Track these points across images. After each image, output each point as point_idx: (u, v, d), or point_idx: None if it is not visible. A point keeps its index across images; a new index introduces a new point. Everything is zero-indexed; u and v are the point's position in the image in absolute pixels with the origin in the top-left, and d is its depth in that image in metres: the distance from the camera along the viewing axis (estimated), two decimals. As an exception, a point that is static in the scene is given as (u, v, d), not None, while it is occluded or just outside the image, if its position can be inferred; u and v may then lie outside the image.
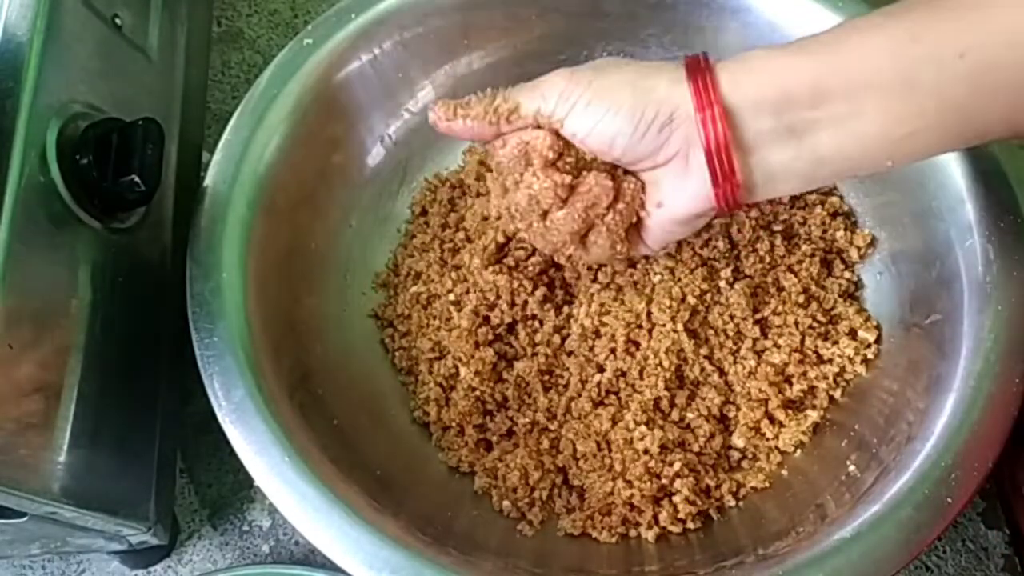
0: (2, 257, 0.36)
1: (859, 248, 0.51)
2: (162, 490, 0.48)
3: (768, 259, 0.51)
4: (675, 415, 0.48)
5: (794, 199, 0.52)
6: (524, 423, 0.49)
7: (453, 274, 0.52)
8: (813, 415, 0.48)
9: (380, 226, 0.55)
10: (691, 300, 0.49)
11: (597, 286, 0.50)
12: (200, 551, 0.52)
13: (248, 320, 0.44)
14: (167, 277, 0.48)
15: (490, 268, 0.50)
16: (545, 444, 0.49)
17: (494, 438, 0.50)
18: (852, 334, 0.50)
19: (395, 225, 0.56)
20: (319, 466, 0.42)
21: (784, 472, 0.48)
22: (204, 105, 0.61)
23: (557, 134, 0.40)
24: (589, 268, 0.50)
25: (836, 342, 0.49)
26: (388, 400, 0.51)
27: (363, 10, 0.52)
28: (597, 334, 0.50)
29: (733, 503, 0.47)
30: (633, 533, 0.46)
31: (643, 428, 0.47)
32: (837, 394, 0.49)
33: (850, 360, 0.49)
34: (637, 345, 0.49)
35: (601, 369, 0.49)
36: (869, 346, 0.49)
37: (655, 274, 0.50)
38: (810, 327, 0.49)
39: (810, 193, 0.52)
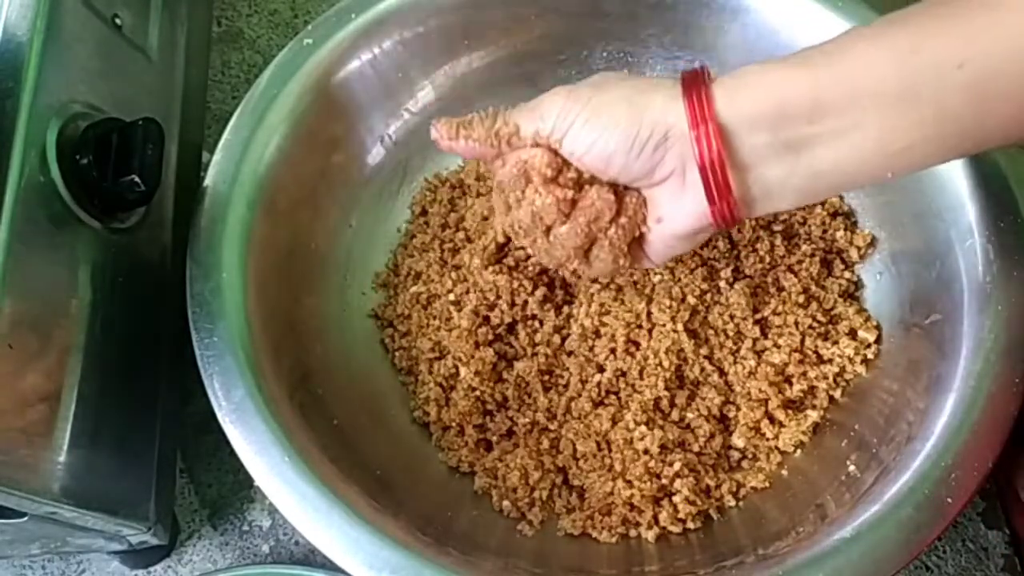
0: (2, 257, 0.36)
1: (859, 248, 0.51)
2: (162, 490, 0.48)
3: (768, 259, 0.51)
4: (675, 415, 0.48)
5: (794, 199, 0.52)
6: (524, 423, 0.49)
7: (453, 274, 0.52)
8: (813, 415, 0.48)
9: (380, 226, 0.56)
10: (691, 300, 0.49)
11: (597, 286, 0.50)
12: (200, 551, 0.52)
13: (248, 320, 0.44)
14: (167, 277, 0.48)
15: (490, 268, 0.50)
16: (545, 444, 0.49)
17: (494, 438, 0.50)
18: (852, 334, 0.50)
19: (395, 225, 0.56)
20: (319, 466, 0.42)
21: (784, 472, 0.48)
22: (204, 105, 0.61)
23: (556, 152, 0.40)
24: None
25: (836, 342, 0.49)
26: (388, 400, 0.51)
27: (363, 10, 0.52)
28: (597, 334, 0.50)
29: (733, 503, 0.47)
30: (633, 533, 0.46)
31: (643, 428, 0.47)
32: (837, 394, 0.49)
33: (850, 360, 0.49)
34: (637, 345, 0.49)
35: (601, 369, 0.49)
36: (869, 346, 0.49)
37: (655, 274, 0.50)
38: (810, 327, 0.49)
39: (810, 193, 0.52)
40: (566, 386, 0.49)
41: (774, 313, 0.50)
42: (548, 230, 0.42)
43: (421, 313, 0.52)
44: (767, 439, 0.48)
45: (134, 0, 0.49)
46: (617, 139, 0.38)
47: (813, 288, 0.50)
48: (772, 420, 0.48)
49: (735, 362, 0.49)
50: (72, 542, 0.45)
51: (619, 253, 0.43)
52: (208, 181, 0.47)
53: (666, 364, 0.48)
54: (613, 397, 0.49)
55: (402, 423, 0.51)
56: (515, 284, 0.49)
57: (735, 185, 0.38)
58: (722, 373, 0.49)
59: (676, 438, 0.47)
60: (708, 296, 0.50)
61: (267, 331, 0.45)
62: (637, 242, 0.43)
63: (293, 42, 0.51)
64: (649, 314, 0.49)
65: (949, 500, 0.39)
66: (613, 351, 0.49)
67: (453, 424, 0.49)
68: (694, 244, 0.43)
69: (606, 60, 0.57)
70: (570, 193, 0.41)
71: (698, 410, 0.48)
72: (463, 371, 0.49)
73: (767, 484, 0.47)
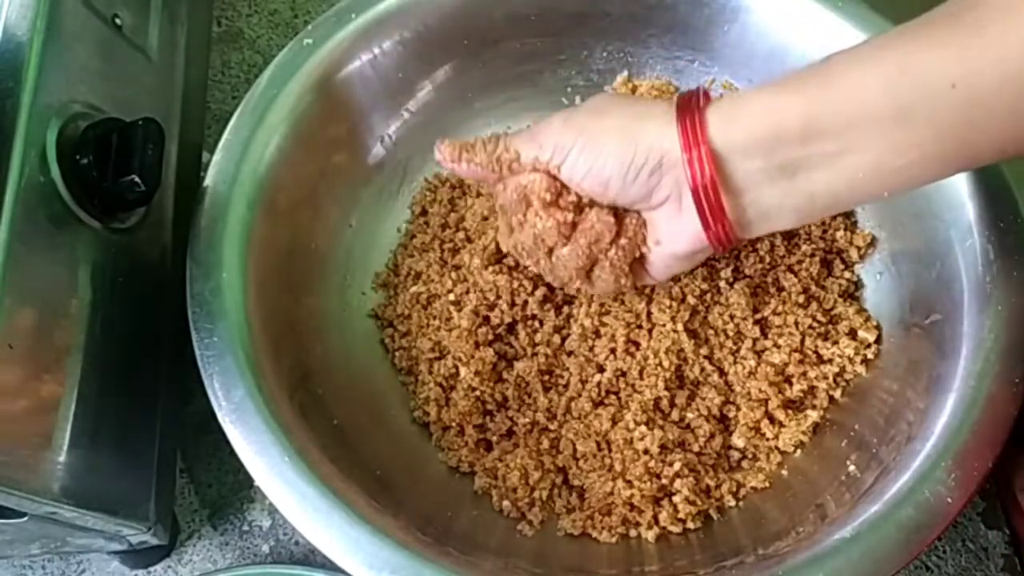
0: (2, 257, 0.36)
1: (859, 248, 0.51)
2: (162, 490, 0.48)
3: (768, 259, 0.51)
4: (675, 415, 0.48)
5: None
6: (524, 423, 0.49)
7: (453, 274, 0.52)
8: (813, 415, 0.48)
9: (380, 226, 0.56)
10: (691, 300, 0.49)
11: (597, 286, 0.50)
12: (200, 551, 0.52)
13: (248, 320, 0.44)
14: (167, 277, 0.48)
15: (490, 268, 0.50)
16: (545, 444, 0.49)
17: (494, 438, 0.50)
18: (852, 334, 0.50)
19: (395, 225, 0.56)
20: (319, 466, 0.42)
21: (784, 472, 0.48)
22: (204, 105, 0.61)
23: (555, 176, 0.42)
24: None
25: (836, 342, 0.49)
26: (388, 400, 0.51)
27: (363, 10, 0.52)
28: (597, 334, 0.50)
29: (733, 503, 0.47)
30: (633, 533, 0.46)
31: (643, 428, 0.47)
32: (837, 394, 0.49)
33: (850, 360, 0.49)
34: (637, 345, 0.49)
35: (601, 369, 0.49)
36: (869, 346, 0.49)
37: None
38: (810, 327, 0.49)
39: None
40: (566, 386, 0.49)
41: (774, 313, 0.50)
42: (550, 252, 0.43)
43: (421, 313, 0.52)
44: (767, 439, 0.48)
45: (134, 0, 0.49)
46: (613, 165, 0.39)
47: (813, 288, 0.50)
48: (772, 420, 0.48)
49: (735, 362, 0.49)
50: (72, 542, 0.45)
51: (620, 273, 0.44)
52: (208, 181, 0.47)
53: (666, 364, 0.48)
54: (613, 397, 0.49)
55: (402, 423, 0.51)
56: (515, 284, 0.49)
57: (730, 208, 0.39)
58: (722, 373, 0.49)
59: (676, 438, 0.47)
60: (708, 296, 0.50)
61: (267, 331, 0.45)
62: (638, 261, 0.44)
63: (293, 42, 0.51)
64: (649, 314, 0.49)
65: (949, 500, 0.39)
66: (613, 351, 0.49)
67: (453, 424, 0.49)
68: (694, 264, 0.44)
69: (606, 60, 0.57)
70: (570, 216, 0.42)
71: (698, 410, 0.48)
72: (463, 371, 0.49)
73: (767, 484, 0.47)
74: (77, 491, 0.40)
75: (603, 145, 0.39)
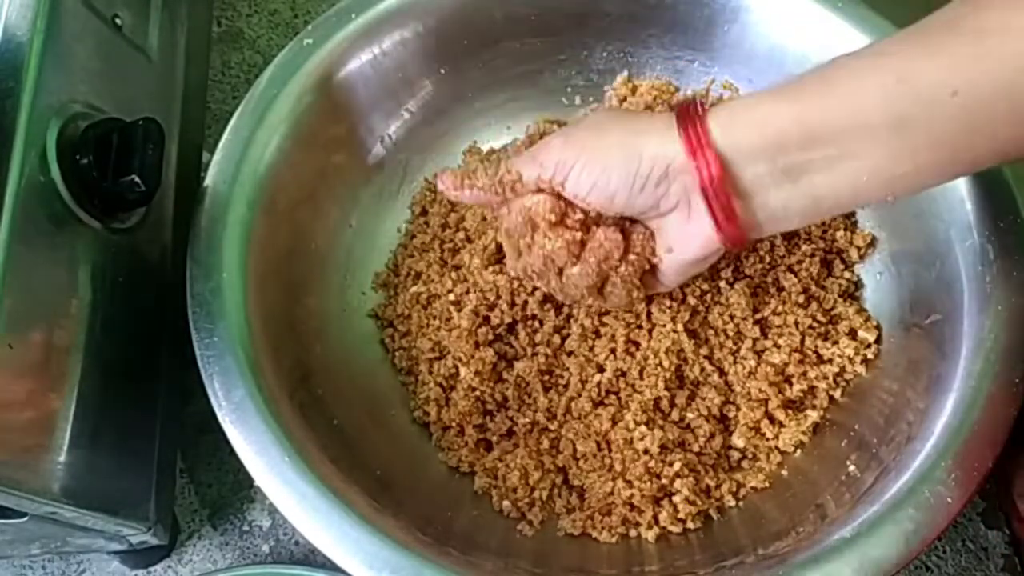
0: (2, 257, 0.36)
1: (859, 248, 0.51)
2: (162, 490, 0.48)
3: (768, 259, 0.51)
4: (675, 415, 0.48)
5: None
6: (524, 423, 0.49)
7: (453, 274, 0.52)
8: (813, 415, 0.48)
9: (380, 226, 0.56)
10: (691, 300, 0.49)
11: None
12: (200, 551, 0.52)
13: (248, 320, 0.44)
14: (167, 277, 0.48)
15: (490, 268, 0.50)
16: (545, 444, 0.49)
17: (494, 438, 0.50)
18: (852, 334, 0.50)
19: (395, 225, 0.56)
20: (319, 466, 0.42)
21: (784, 472, 0.48)
22: (204, 105, 0.61)
23: (559, 196, 0.42)
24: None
25: (836, 342, 0.49)
26: (388, 400, 0.51)
27: (363, 10, 0.52)
28: (597, 334, 0.50)
29: (733, 503, 0.47)
30: (633, 533, 0.46)
31: (643, 428, 0.47)
32: (837, 394, 0.49)
33: (850, 360, 0.49)
34: (637, 345, 0.49)
35: (601, 369, 0.49)
36: (869, 346, 0.49)
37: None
38: (810, 327, 0.49)
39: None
40: (566, 386, 0.49)
41: (774, 313, 0.50)
42: (560, 272, 0.43)
43: (421, 313, 0.52)
44: (767, 439, 0.48)
45: (134, 0, 0.49)
46: (618, 178, 0.39)
47: (813, 288, 0.50)
48: (772, 420, 0.48)
49: (735, 362, 0.49)
50: (72, 542, 0.45)
51: (632, 287, 0.44)
52: (208, 181, 0.47)
53: (666, 364, 0.48)
54: (613, 397, 0.49)
55: (402, 423, 0.51)
56: (515, 284, 0.49)
57: (740, 210, 0.39)
58: (722, 373, 0.49)
59: (676, 438, 0.47)
60: (708, 296, 0.50)
61: (267, 331, 0.45)
62: (649, 271, 0.44)
63: (293, 42, 0.51)
64: (649, 314, 0.49)
65: (949, 500, 0.39)
66: (613, 351, 0.49)
67: (453, 424, 0.49)
68: (705, 266, 0.44)
69: (606, 60, 0.57)
70: (578, 235, 0.42)
71: (698, 410, 0.48)
72: (463, 371, 0.49)
73: (767, 484, 0.47)
74: (77, 491, 0.40)
75: (606, 159, 0.40)
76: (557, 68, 0.57)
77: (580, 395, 0.49)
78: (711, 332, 0.50)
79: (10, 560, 0.51)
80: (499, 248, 0.50)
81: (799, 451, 0.48)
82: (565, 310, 0.50)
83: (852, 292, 0.51)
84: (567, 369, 0.50)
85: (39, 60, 0.39)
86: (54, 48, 0.40)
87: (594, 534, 0.46)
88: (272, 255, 0.48)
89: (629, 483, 0.46)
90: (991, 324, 0.42)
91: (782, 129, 0.37)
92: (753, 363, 0.49)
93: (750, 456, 0.49)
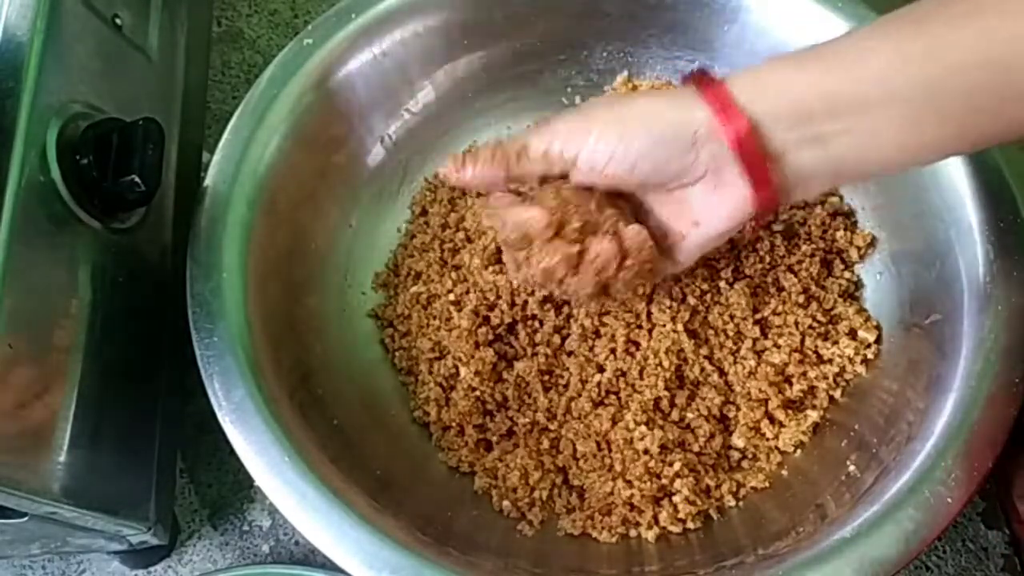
0: (2, 257, 0.36)
1: (859, 248, 0.51)
2: (162, 490, 0.48)
3: (768, 259, 0.51)
4: (675, 415, 0.48)
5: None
6: (524, 423, 0.49)
7: (453, 274, 0.52)
8: (813, 415, 0.48)
9: (380, 226, 0.56)
10: (691, 300, 0.49)
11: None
12: (200, 551, 0.52)
13: (248, 320, 0.44)
14: (167, 277, 0.48)
15: (490, 268, 0.50)
16: (545, 444, 0.49)
17: (494, 438, 0.50)
18: (852, 334, 0.50)
19: (395, 225, 0.56)
20: (319, 466, 0.42)
21: (784, 472, 0.48)
22: (204, 105, 0.61)
23: (551, 210, 0.40)
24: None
25: (836, 342, 0.49)
26: (388, 400, 0.51)
27: (363, 10, 0.52)
28: (597, 334, 0.50)
29: (733, 503, 0.47)
30: (633, 533, 0.46)
31: (643, 428, 0.47)
32: (837, 394, 0.49)
33: (850, 360, 0.49)
34: (637, 345, 0.49)
35: (601, 369, 0.49)
36: (869, 346, 0.49)
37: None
38: (810, 327, 0.49)
39: (810, 193, 0.52)
40: (566, 386, 0.49)
41: (774, 313, 0.50)
42: (561, 282, 0.43)
43: (421, 313, 0.52)
44: (767, 439, 0.48)
45: (134, 0, 0.49)
46: (638, 147, 0.38)
47: (813, 288, 0.50)
48: (772, 420, 0.48)
49: (735, 362, 0.49)
50: (72, 542, 0.45)
51: (636, 284, 0.44)
52: (208, 181, 0.47)
53: (666, 364, 0.48)
54: (613, 397, 0.49)
55: (402, 423, 0.51)
56: (515, 284, 0.49)
57: (771, 172, 0.38)
58: (722, 373, 0.49)
59: (676, 438, 0.47)
60: (708, 296, 0.50)
61: (267, 331, 0.45)
62: (666, 251, 0.43)
63: (293, 42, 0.51)
64: (649, 314, 0.49)
65: (949, 500, 0.39)
66: (613, 351, 0.49)
67: (453, 424, 0.49)
68: (723, 240, 0.43)
69: (606, 60, 0.57)
70: (576, 247, 0.41)
71: (698, 410, 0.48)
72: (463, 371, 0.49)
73: (767, 484, 0.47)
74: (77, 491, 0.40)
75: (624, 128, 0.38)
76: (557, 68, 0.57)
77: (580, 395, 0.49)
78: (711, 332, 0.50)
79: (10, 560, 0.51)
80: (499, 248, 0.50)
81: (799, 451, 0.48)
82: (565, 310, 0.50)
83: (852, 292, 0.51)
84: (567, 369, 0.50)
85: (39, 60, 0.39)
86: (54, 48, 0.40)
87: (594, 534, 0.46)
88: (272, 255, 0.48)
89: (629, 483, 0.46)
90: (991, 324, 0.42)
91: (806, 97, 0.36)
92: (753, 363, 0.49)
93: (750, 456, 0.49)
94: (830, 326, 0.50)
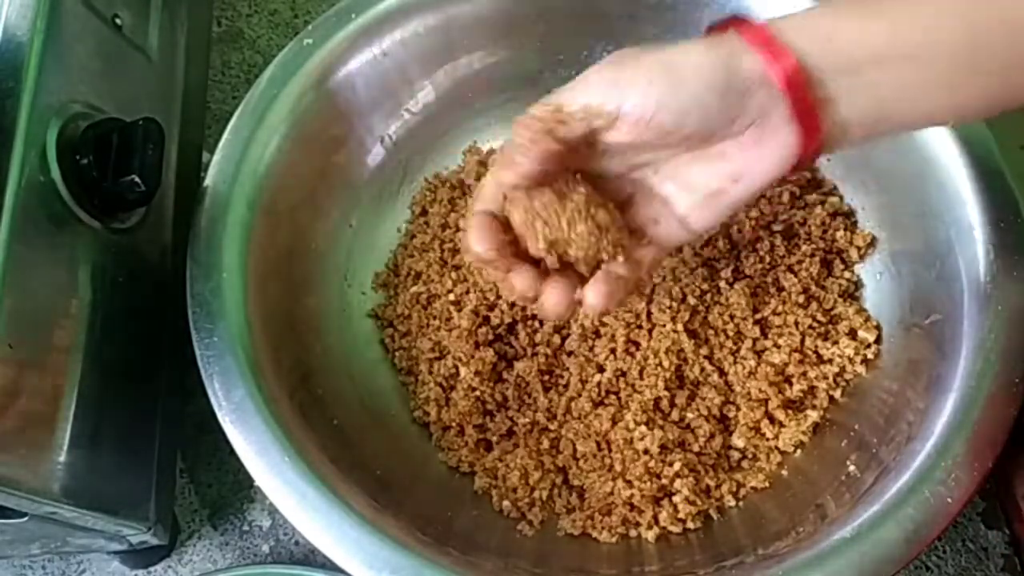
0: (2, 257, 0.36)
1: (859, 248, 0.51)
2: (162, 490, 0.48)
3: (768, 259, 0.51)
4: (675, 415, 0.48)
5: (794, 199, 0.52)
6: (524, 423, 0.49)
7: (453, 274, 0.52)
8: (813, 415, 0.48)
9: (380, 226, 0.56)
10: (691, 300, 0.49)
11: (597, 286, 0.50)
12: (200, 551, 0.52)
13: (248, 320, 0.44)
14: (167, 277, 0.48)
15: (490, 268, 0.50)
16: (545, 444, 0.49)
17: (494, 438, 0.50)
18: (852, 334, 0.49)
19: (395, 225, 0.56)
20: (319, 466, 0.42)
21: (784, 472, 0.48)
22: (204, 105, 0.61)
23: (517, 226, 0.37)
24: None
25: (836, 342, 0.49)
26: (388, 400, 0.51)
27: (363, 10, 0.52)
28: (597, 334, 0.50)
29: (733, 503, 0.47)
30: (633, 533, 0.46)
31: (643, 428, 0.47)
32: (837, 394, 0.49)
33: (850, 360, 0.49)
34: (637, 345, 0.49)
35: (601, 369, 0.49)
36: (869, 346, 0.49)
37: (655, 274, 0.50)
38: (810, 327, 0.49)
39: (810, 193, 0.52)
40: (566, 386, 0.49)
41: (774, 313, 0.50)
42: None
43: (421, 313, 0.52)
44: (767, 439, 0.48)
45: (134, 0, 0.49)
46: (690, 93, 0.36)
47: (813, 288, 0.50)
48: (772, 420, 0.48)
49: (735, 362, 0.49)
50: (72, 542, 0.45)
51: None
52: (208, 181, 0.47)
53: (666, 364, 0.48)
54: (613, 397, 0.49)
55: (402, 423, 0.51)
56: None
57: (820, 119, 0.36)
58: (722, 373, 0.49)
59: (676, 438, 0.47)
60: (708, 296, 0.49)
61: (267, 331, 0.45)
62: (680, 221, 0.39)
63: (293, 42, 0.51)
64: (649, 314, 0.49)
65: (949, 500, 0.39)
66: (613, 351, 0.49)
67: (453, 424, 0.49)
68: (756, 197, 0.41)
69: (606, 60, 0.57)
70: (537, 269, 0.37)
71: (698, 410, 0.48)
72: (463, 371, 0.49)
73: (767, 484, 0.47)
74: (77, 491, 0.40)
75: (673, 74, 0.36)
76: (557, 68, 0.57)
77: (580, 395, 0.49)
78: (711, 332, 0.50)
79: (10, 560, 0.51)
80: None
81: (799, 451, 0.48)
82: (565, 310, 0.50)
83: (852, 292, 0.51)
84: (567, 369, 0.50)
85: (39, 60, 0.39)
86: (54, 48, 0.40)
87: (594, 534, 0.46)
88: (272, 255, 0.48)
89: (629, 483, 0.46)
90: (991, 324, 0.42)
91: (853, 47, 0.35)
92: (753, 363, 0.49)
93: (750, 456, 0.48)
94: (830, 326, 0.50)
